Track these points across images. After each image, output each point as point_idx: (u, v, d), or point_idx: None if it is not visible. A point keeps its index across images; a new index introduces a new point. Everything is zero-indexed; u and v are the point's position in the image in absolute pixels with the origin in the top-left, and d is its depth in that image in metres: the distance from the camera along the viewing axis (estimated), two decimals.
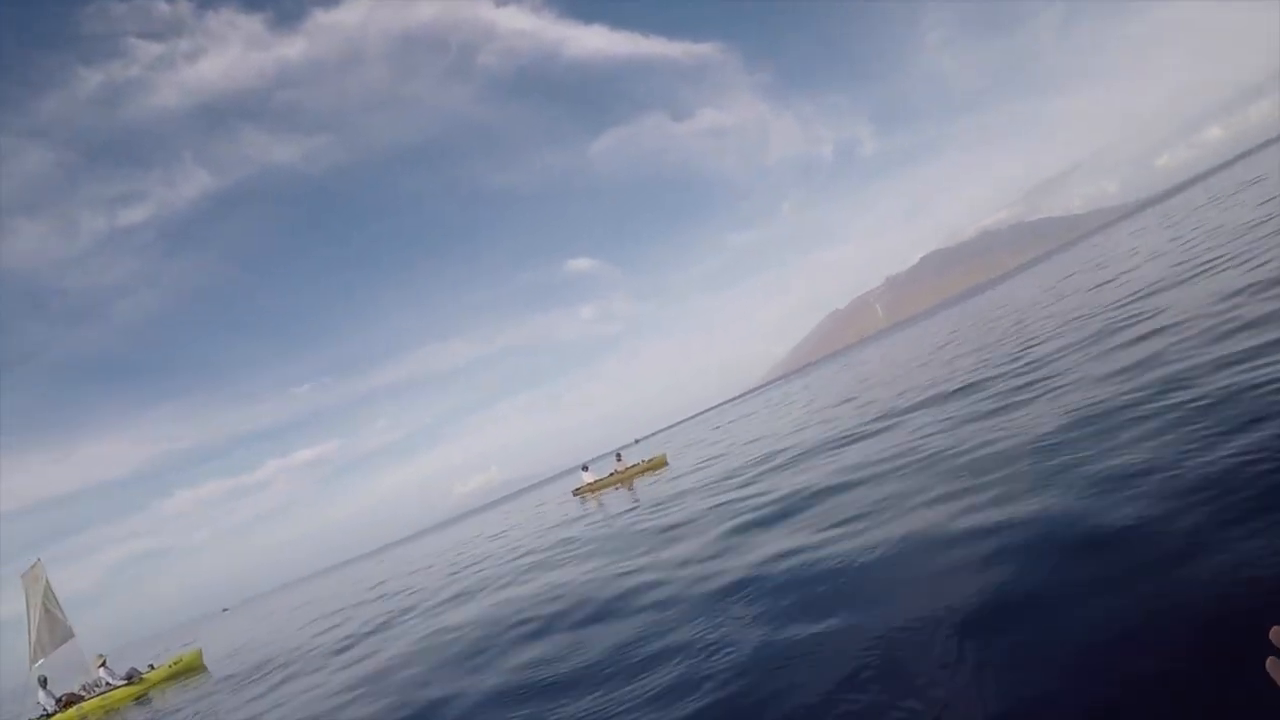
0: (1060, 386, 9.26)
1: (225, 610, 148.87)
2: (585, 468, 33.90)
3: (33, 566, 23.43)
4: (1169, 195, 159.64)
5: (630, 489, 24.89)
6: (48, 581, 22.93)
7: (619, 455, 33.19)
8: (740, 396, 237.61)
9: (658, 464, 29.48)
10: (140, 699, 19.55)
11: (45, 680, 20.85)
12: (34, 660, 22.06)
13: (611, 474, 31.19)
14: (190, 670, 20.78)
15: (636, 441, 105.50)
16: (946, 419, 10.64)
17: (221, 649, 26.21)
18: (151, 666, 21.35)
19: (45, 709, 20.25)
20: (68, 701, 20.30)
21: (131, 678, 20.59)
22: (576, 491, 32.33)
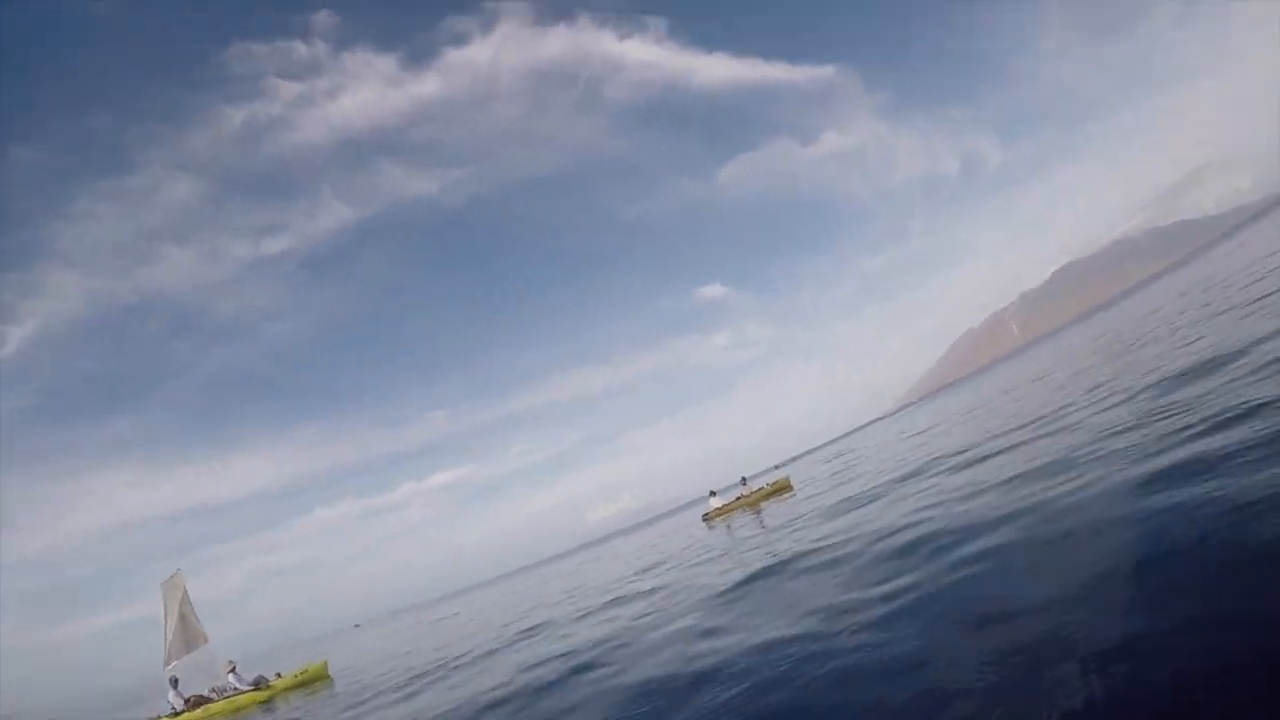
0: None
1: (357, 626, 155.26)
2: (713, 493, 33.89)
3: (173, 575, 24.35)
4: None
5: (757, 511, 24.65)
6: (185, 590, 23.70)
7: (744, 480, 33.54)
8: (875, 421, 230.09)
9: (782, 487, 29.08)
10: (265, 704, 19.61)
11: (176, 681, 21.41)
12: (168, 662, 22.80)
13: (738, 498, 31.00)
14: (316, 679, 20.81)
15: (777, 467, 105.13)
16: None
17: (350, 661, 26.37)
18: (279, 674, 21.52)
19: (174, 707, 20.73)
20: (196, 702, 20.66)
21: (258, 684, 20.79)
22: (705, 516, 31.97)
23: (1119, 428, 8.91)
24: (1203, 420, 7.31)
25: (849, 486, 18.20)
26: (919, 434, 29.24)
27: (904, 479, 14.08)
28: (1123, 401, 10.74)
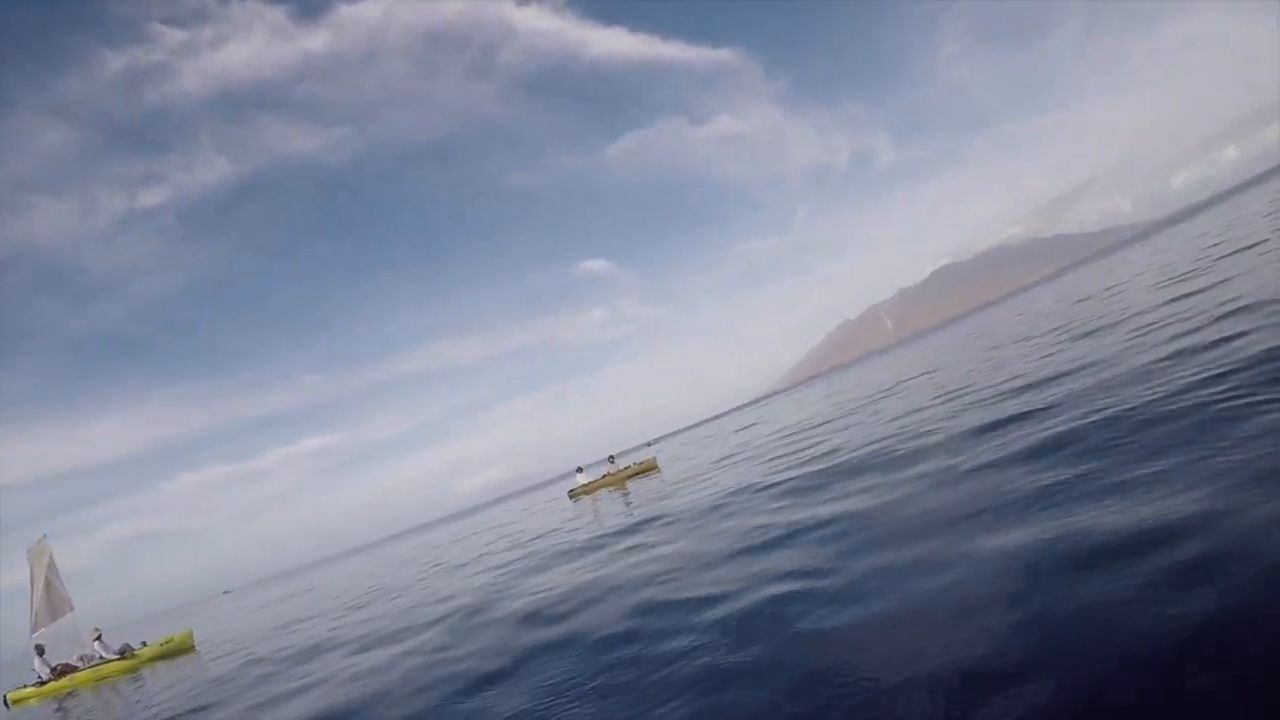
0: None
1: (227, 592, 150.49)
2: (580, 469, 34.56)
3: (39, 541, 24.23)
4: (1182, 217, 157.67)
5: (624, 490, 25.78)
6: (51, 556, 23.71)
7: (612, 458, 34.08)
8: (748, 404, 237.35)
9: (648, 467, 30.32)
10: (131, 673, 20.19)
11: (42, 649, 21.59)
12: (34, 630, 22.85)
13: (604, 476, 32.06)
14: (180, 649, 21.38)
15: (649, 444, 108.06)
16: None
17: (216, 630, 26.87)
18: (144, 643, 21.99)
19: (40, 676, 20.99)
20: (62, 671, 20.98)
21: (124, 653, 21.22)
22: (572, 493, 32.97)
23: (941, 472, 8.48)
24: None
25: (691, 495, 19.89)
26: (777, 433, 31.32)
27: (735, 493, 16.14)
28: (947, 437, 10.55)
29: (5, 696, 20.85)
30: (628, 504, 19.53)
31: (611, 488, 29.90)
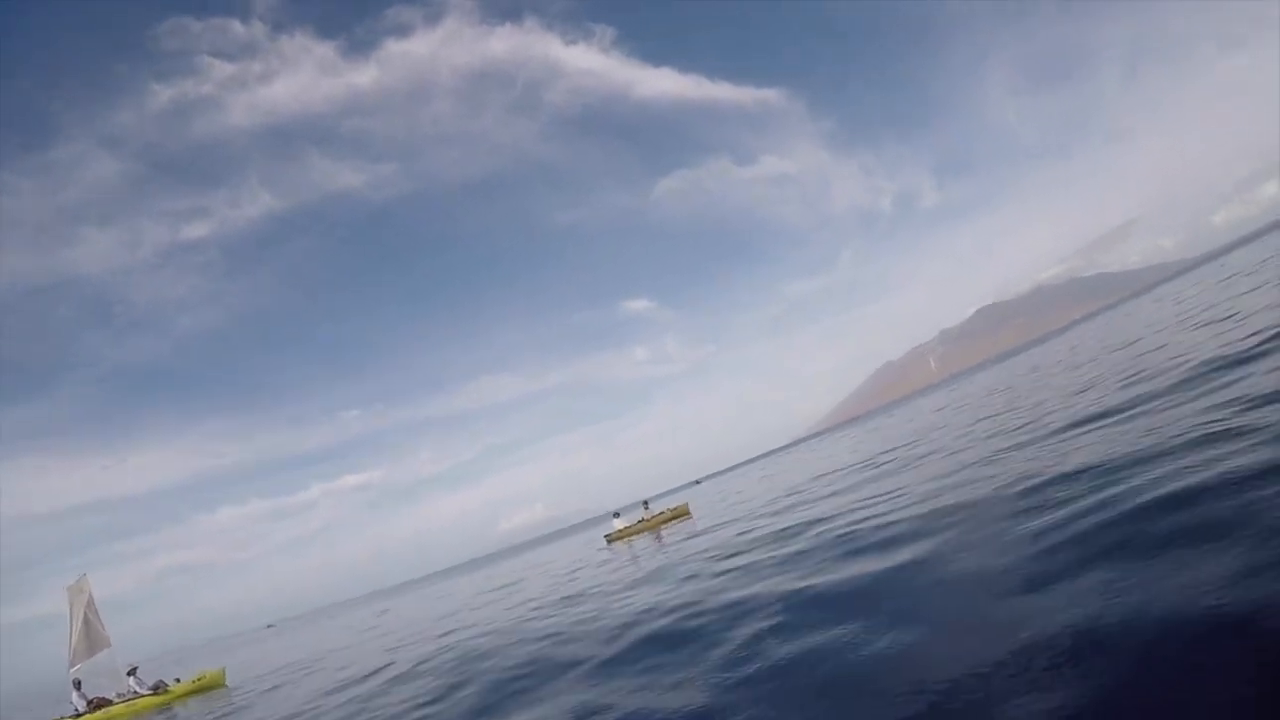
0: None
1: (270, 626, 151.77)
2: (616, 514, 34.96)
3: (79, 579, 24.78)
4: (1223, 253, 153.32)
5: (658, 536, 25.34)
6: (90, 593, 24.21)
7: (646, 503, 34.51)
8: (788, 446, 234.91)
9: (680, 513, 30.26)
10: (164, 708, 20.45)
11: (79, 683, 22.07)
12: (72, 665, 23.33)
13: (639, 521, 32.14)
14: (212, 686, 21.64)
15: (697, 483, 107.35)
16: None
17: (253, 665, 26.95)
18: (177, 680, 22.31)
19: (76, 709, 21.53)
20: (97, 704, 21.53)
21: (158, 688, 21.62)
22: (608, 537, 32.86)
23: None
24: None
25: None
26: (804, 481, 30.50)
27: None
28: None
29: None
30: (664, 553, 19.07)
31: (646, 532, 29.80)
